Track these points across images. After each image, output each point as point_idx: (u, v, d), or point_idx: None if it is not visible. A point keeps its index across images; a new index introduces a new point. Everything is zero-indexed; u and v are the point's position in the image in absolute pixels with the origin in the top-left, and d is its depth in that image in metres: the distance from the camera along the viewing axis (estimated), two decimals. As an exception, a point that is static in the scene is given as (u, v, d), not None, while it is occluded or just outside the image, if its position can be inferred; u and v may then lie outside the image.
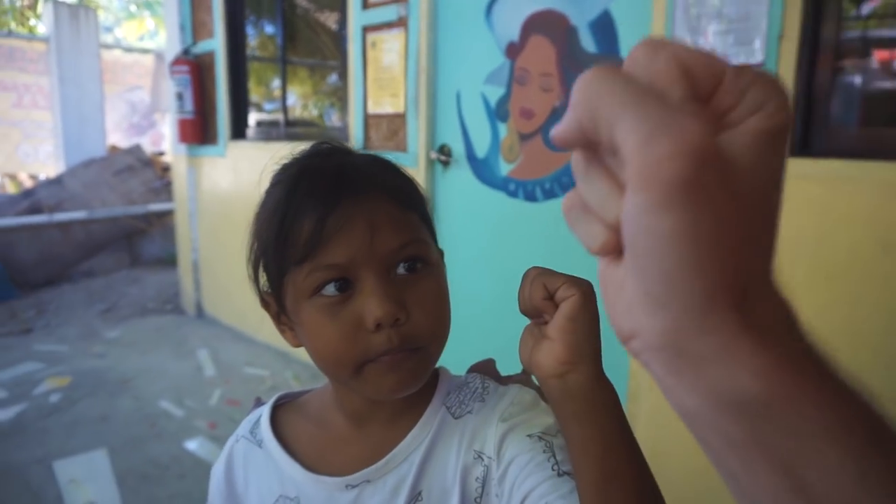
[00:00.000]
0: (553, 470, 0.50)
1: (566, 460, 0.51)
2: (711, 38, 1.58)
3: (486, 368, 0.66)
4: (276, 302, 0.59)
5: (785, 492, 0.23)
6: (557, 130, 0.24)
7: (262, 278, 0.60)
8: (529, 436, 0.54)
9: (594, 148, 0.23)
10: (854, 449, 0.21)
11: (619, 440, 0.44)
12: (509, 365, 0.65)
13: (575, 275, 0.46)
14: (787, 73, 1.48)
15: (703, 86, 0.22)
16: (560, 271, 0.47)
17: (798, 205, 1.45)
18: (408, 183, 0.60)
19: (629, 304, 0.24)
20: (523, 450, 0.53)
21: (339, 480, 0.58)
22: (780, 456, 0.22)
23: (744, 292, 0.22)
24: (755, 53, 1.52)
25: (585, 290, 0.45)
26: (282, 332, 0.61)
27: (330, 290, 0.53)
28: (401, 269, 0.55)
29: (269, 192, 0.58)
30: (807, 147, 1.51)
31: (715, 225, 0.20)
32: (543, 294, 0.46)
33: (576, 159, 0.25)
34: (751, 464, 0.23)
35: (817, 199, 1.44)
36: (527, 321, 0.49)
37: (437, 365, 0.63)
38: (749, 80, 0.21)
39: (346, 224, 0.52)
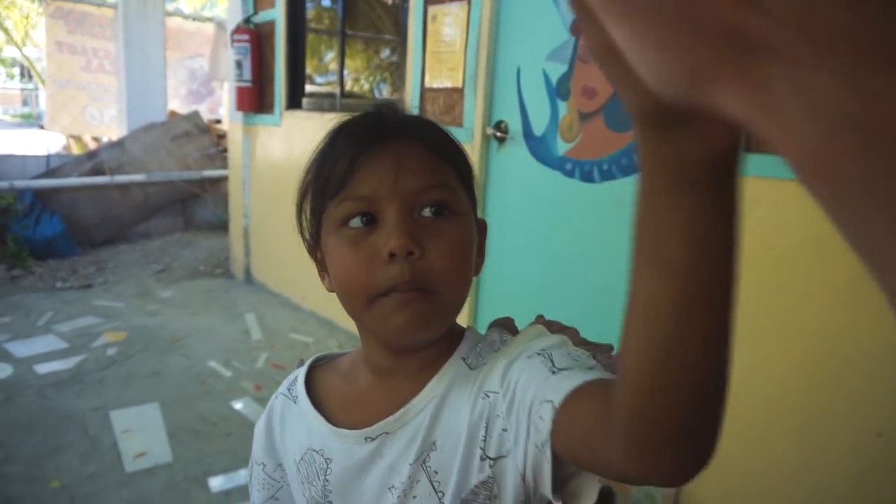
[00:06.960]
0: (550, 371, 0.50)
1: (563, 361, 0.51)
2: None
3: (505, 324, 0.67)
4: (316, 243, 0.62)
5: None
6: None
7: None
8: (529, 357, 0.54)
9: None
10: None
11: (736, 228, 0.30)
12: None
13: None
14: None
15: None
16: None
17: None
18: (445, 137, 0.62)
19: None
20: (524, 369, 0.53)
21: (358, 433, 0.60)
22: None
23: None
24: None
25: None
26: (322, 278, 0.64)
27: (356, 222, 0.56)
28: (427, 212, 0.57)
29: (319, 145, 0.63)
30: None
31: None
32: None
33: None
34: None
35: None
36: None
37: (467, 325, 0.65)
38: None
39: (374, 161, 0.56)
